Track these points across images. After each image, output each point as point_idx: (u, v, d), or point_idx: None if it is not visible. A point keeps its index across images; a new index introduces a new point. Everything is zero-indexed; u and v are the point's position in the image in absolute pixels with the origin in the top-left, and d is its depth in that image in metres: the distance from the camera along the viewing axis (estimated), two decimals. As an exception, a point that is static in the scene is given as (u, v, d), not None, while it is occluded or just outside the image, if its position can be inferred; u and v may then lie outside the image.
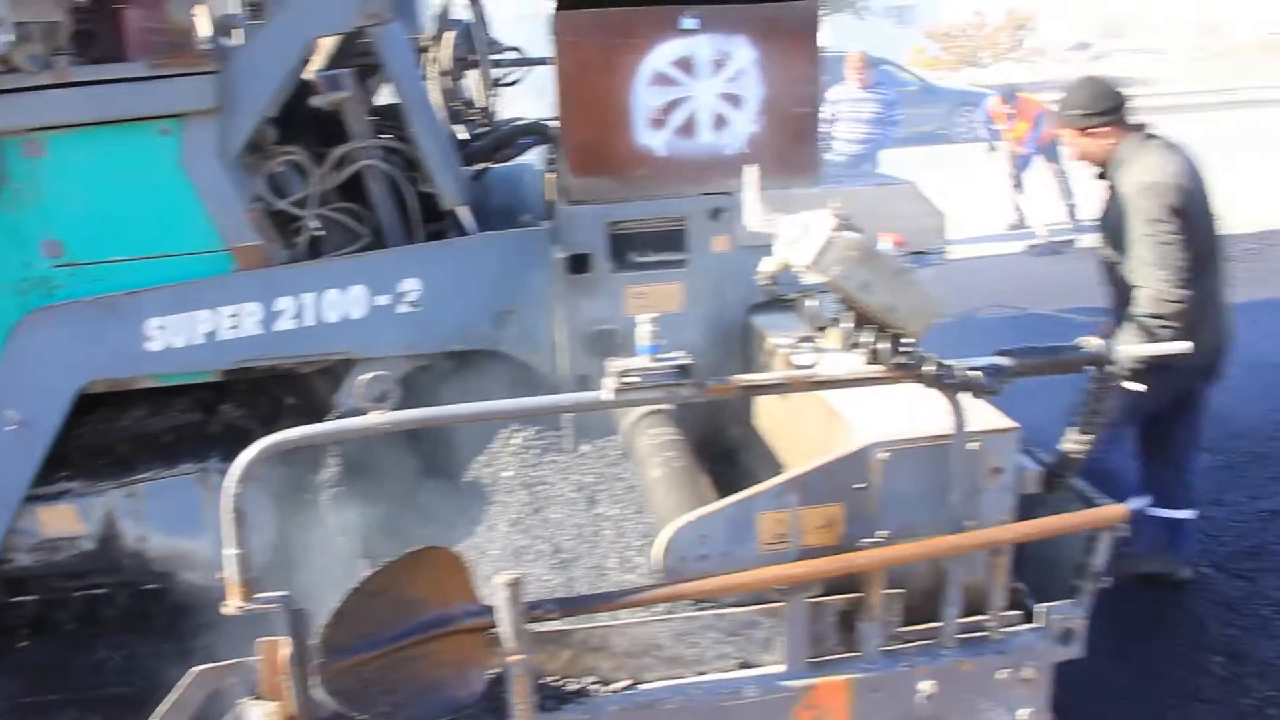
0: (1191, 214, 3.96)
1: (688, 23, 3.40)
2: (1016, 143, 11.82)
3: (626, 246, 3.61)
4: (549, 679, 2.54)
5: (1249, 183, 13.50)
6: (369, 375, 2.34)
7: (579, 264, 3.61)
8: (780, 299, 2.31)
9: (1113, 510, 2.50)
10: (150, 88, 3.46)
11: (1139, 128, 4.16)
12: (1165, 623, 4.39)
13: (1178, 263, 3.86)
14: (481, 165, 4.52)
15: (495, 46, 4.98)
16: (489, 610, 2.34)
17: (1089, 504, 2.97)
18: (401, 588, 2.37)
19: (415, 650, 2.36)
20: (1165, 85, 27.08)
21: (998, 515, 2.57)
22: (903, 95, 21.45)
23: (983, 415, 2.56)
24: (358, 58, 4.03)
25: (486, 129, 4.74)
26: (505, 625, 2.29)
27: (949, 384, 2.28)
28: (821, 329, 2.25)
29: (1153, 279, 3.85)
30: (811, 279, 2.19)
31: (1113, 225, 4.11)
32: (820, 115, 3.59)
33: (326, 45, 3.98)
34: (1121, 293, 4.09)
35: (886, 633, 2.55)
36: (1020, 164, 11.95)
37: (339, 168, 3.76)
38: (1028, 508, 2.72)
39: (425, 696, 2.40)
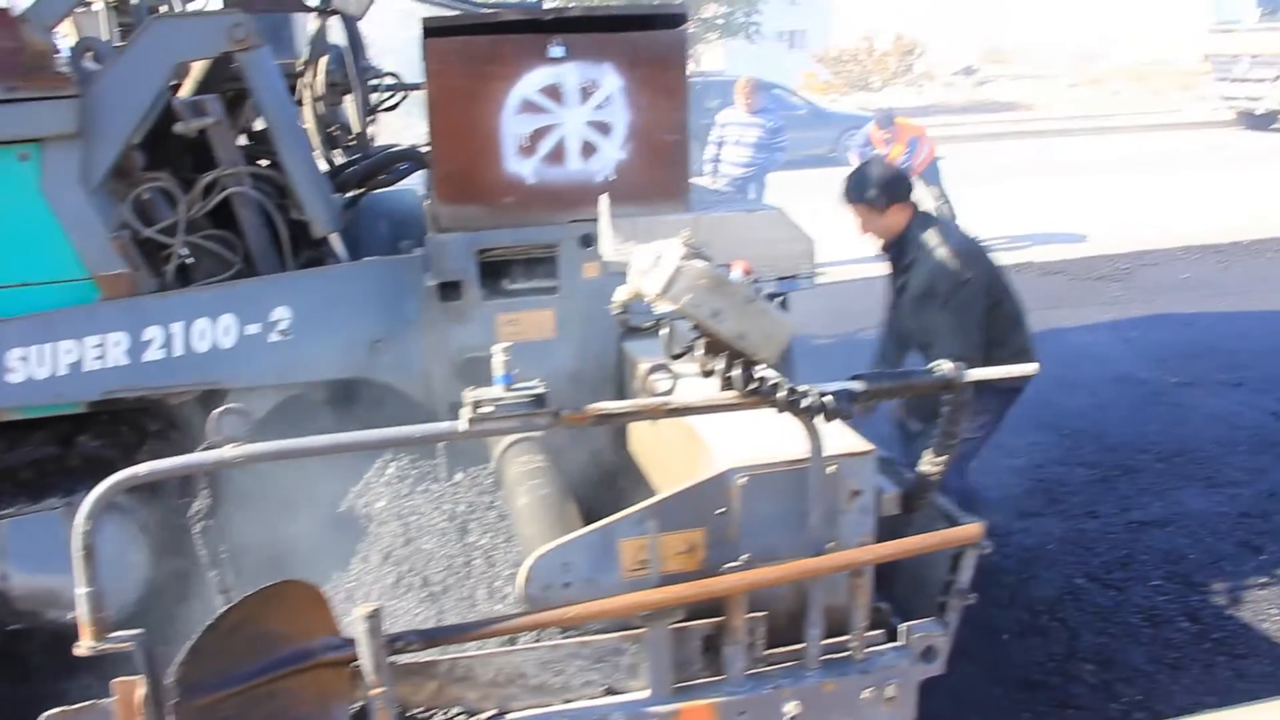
0: (986, 281, 4.22)
1: (555, 51, 3.42)
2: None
3: (497, 274, 3.61)
4: (414, 711, 2.52)
5: (1120, 205, 14.03)
6: (221, 409, 2.30)
7: (450, 291, 3.60)
8: (635, 327, 2.32)
9: (967, 529, 2.56)
10: (7, 111, 3.36)
11: (923, 210, 4.42)
12: (1039, 632, 4.50)
13: (976, 333, 4.13)
14: (357, 191, 4.48)
15: (371, 71, 4.95)
16: (350, 643, 2.32)
17: (952, 523, 3.06)
18: (259, 622, 2.32)
19: (275, 686, 2.32)
20: (1043, 110, 27.98)
21: (858, 537, 2.61)
22: (792, 119, 21.89)
23: (840, 439, 2.61)
24: (229, 82, 3.97)
25: (362, 155, 4.70)
26: (365, 658, 2.26)
27: (801, 409, 2.32)
28: (677, 356, 2.27)
29: (954, 349, 4.02)
30: (664, 307, 2.21)
31: (905, 302, 4.32)
32: (686, 142, 3.62)
33: (197, 70, 3.91)
34: (915, 361, 4.30)
35: (751, 656, 2.57)
36: None
37: (207, 195, 3.70)
38: (896, 528, 2.77)
39: (285, 734, 2.36)
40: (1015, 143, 22.25)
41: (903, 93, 28.83)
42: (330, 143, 4.59)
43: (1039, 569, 5.02)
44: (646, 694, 2.52)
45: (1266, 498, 5.62)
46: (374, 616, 2.26)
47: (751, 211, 3.77)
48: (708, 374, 2.27)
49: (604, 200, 2.36)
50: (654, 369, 2.30)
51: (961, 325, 4.08)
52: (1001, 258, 11.64)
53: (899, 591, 3.35)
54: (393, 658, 2.34)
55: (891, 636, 2.72)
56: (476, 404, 2.27)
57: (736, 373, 2.25)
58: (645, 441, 3.34)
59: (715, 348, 2.25)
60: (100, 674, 2.70)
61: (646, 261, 2.22)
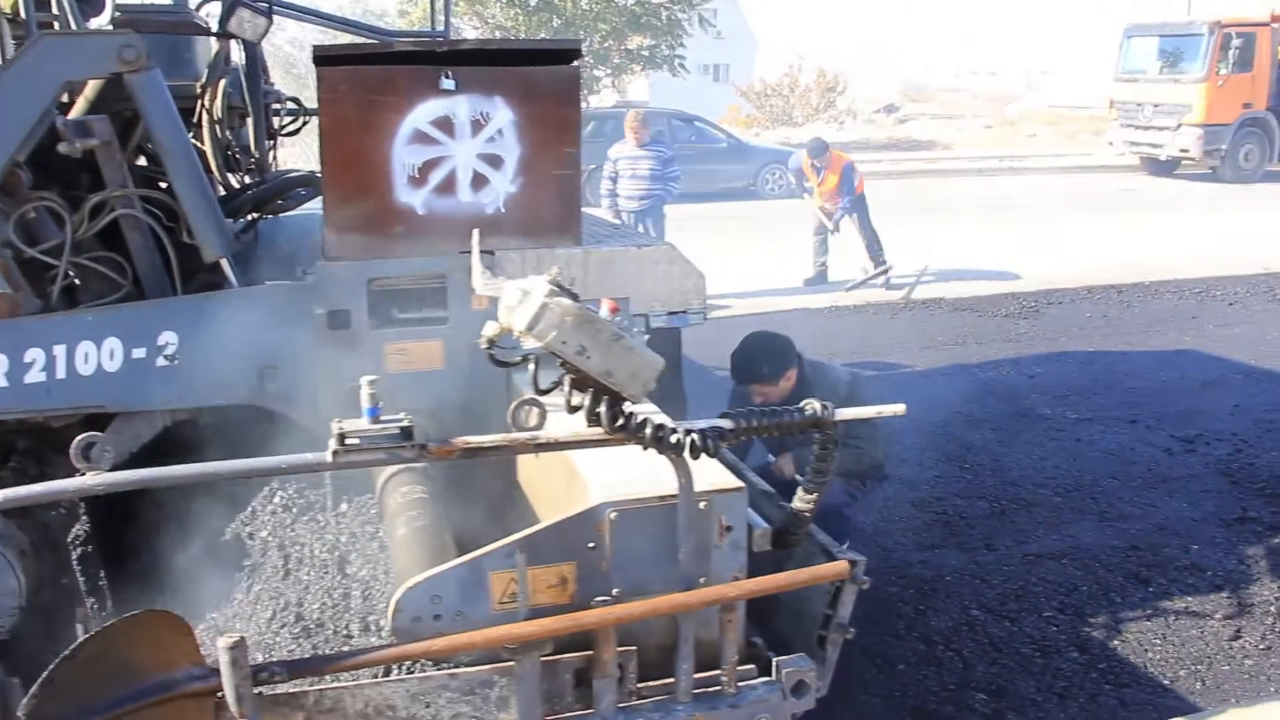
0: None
1: (447, 83, 3.43)
2: (828, 196, 12.18)
3: (387, 303, 3.60)
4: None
5: (1030, 244, 14.36)
6: (83, 437, 2.27)
7: (339, 320, 3.58)
8: (503, 363, 2.34)
9: (836, 566, 2.60)
10: None
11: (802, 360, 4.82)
12: (935, 662, 4.58)
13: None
14: (254, 215, 4.45)
15: (272, 95, 4.92)
16: (214, 674, 2.29)
17: (829, 558, 3.11)
18: (120, 652, 2.29)
19: (135, 718, 2.29)
20: (960, 149, 28.60)
21: (730, 572, 2.64)
22: (714, 153, 22.11)
23: (713, 475, 2.64)
24: (125, 103, 3.92)
25: (260, 179, 4.66)
26: (229, 689, 2.24)
27: (668, 445, 2.35)
28: (544, 392, 2.29)
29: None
30: (530, 344, 2.22)
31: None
32: (578, 177, 3.66)
33: (89, 90, 3.86)
34: None
35: (624, 690, 2.59)
36: (836, 215, 12.29)
37: (95, 216, 3.64)
38: (779, 563, 2.80)
39: (146, 767, 2.32)
40: (933, 181, 22.71)
41: (825, 128, 29.20)
42: (229, 166, 4.54)
43: (937, 600, 5.11)
44: (515, 727, 2.52)
45: (1156, 531, 5.78)
46: (237, 647, 2.23)
47: (642, 247, 3.80)
48: (574, 410, 2.29)
49: (475, 234, 2.37)
50: (520, 404, 2.31)
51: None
52: (916, 293, 11.88)
53: (779, 626, 3.40)
54: (258, 689, 2.32)
55: (766, 671, 2.75)
56: (342, 436, 2.27)
57: (603, 409, 2.28)
58: (531, 474, 3.35)
59: (582, 384, 2.27)
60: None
61: (514, 297, 2.24)
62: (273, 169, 4.90)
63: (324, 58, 3.40)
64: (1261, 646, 4.72)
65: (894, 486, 6.34)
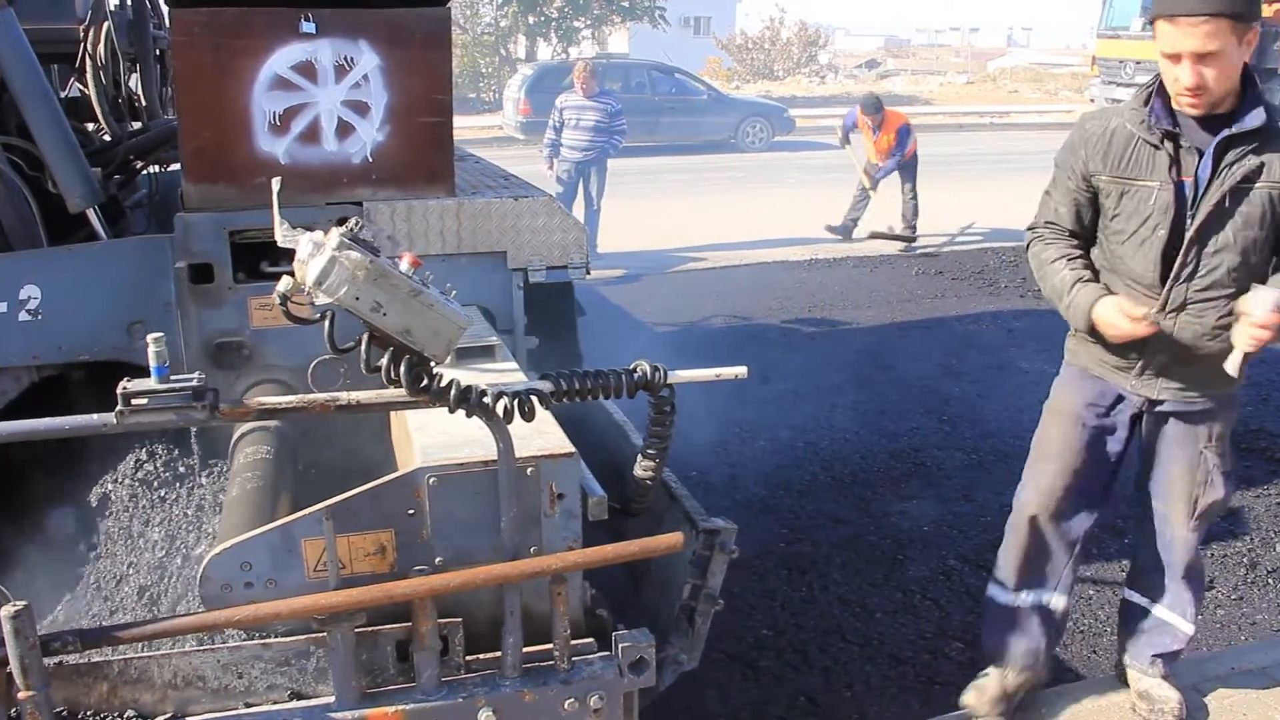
0: None
1: (307, 26, 3.28)
2: (880, 154, 12.04)
3: (252, 256, 3.47)
4: (85, 713, 2.40)
5: (1011, 199, 14.23)
6: None
7: (201, 274, 3.45)
8: (301, 320, 2.21)
9: (668, 538, 2.48)
10: None
11: None
12: (912, 611, 4.62)
13: None
14: (139, 166, 4.31)
15: (164, 40, 4.75)
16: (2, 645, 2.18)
17: (693, 526, 3.01)
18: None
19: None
20: (941, 105, 28.35)
21: (564, 542, 2.54)
22: (694, 105, 21.96)
23: (541, 440, 2.53)
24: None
25: (144, 127, 4.51)
26: (13, 660, 2.13)
27: (475, 408, 2.23)
28: (342, 351, 2.17)
29: None
30: (322, 300, 2.10)
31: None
32: (449, 124, 3.51)
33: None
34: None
35: (451, 662, 2.49)
36: (879, 175, 12.15)
37: None
38: (650, 531, 2.67)
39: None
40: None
41: (805, 82, 28.93)
42: (116, 114, 4.39)
43: (914, 550, 5.14)
44: (331, 700, 2.42)
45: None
46: (20, 616, 2.12)
47: (519, 198, 3.66)
48: (373, 370, 2.17)
49: (276, 181, 2.24)
50: (320, 363, 2.20)
51: None
52: (893, 247, 11.84)
53: (646, 596, 3.31)
54: (50, 659, 2.22)
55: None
56: (127, 396, 2.15)
57: (403, 370, 2.16)
58: (398, 437, 3.23)
59: (381, 342, 2.16)
60: None
61: (306, 250, 2.11)
62: (165, 117, 4.72)
63: (178, 0, 3.24)
64: (1234, 597, 4.77)
65: (873, 436, 6.31)
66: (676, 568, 2.99)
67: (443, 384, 2.22)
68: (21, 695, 2.14)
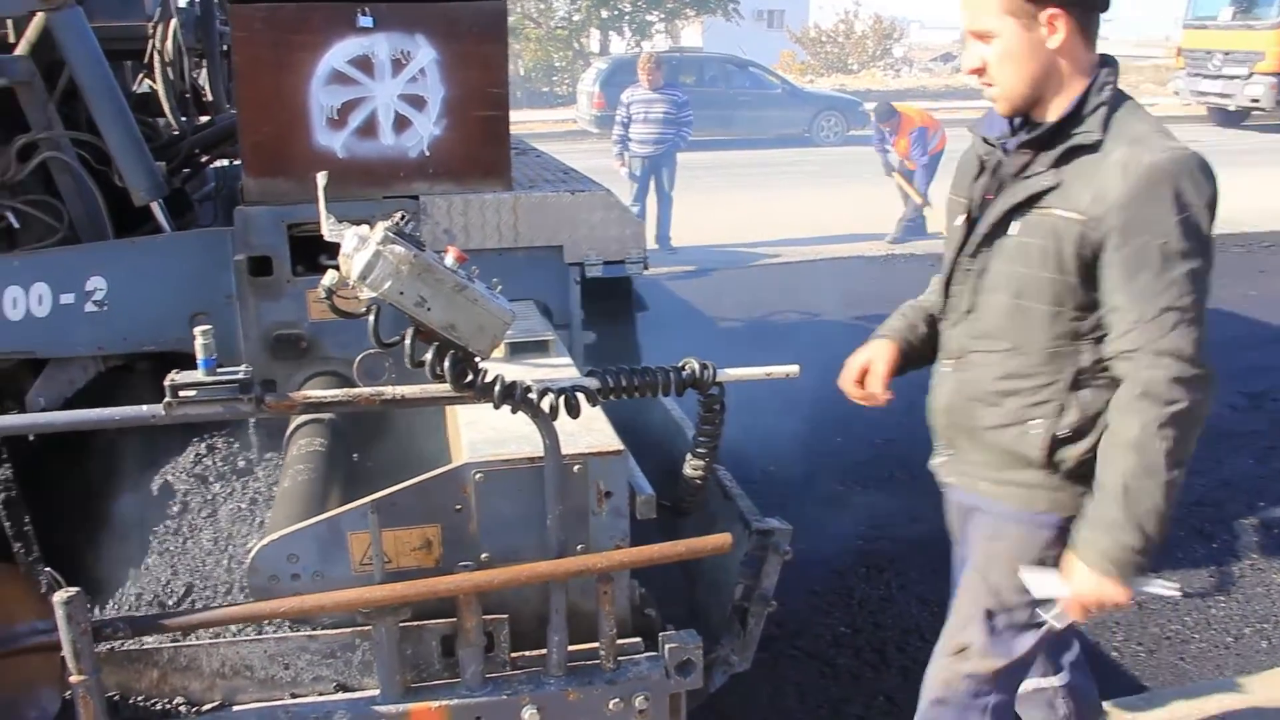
0: None
1: (364, 21, 3.29)
2: (903, 156, 11.86)
3: (311, 250, 3.50)
4: (136, 699, 2.43)
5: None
6: None
7: (260, 267, 3.49)
8: (346, 314, 2.21)
9: (716, 539, 2.45)
10: None
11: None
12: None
13: None
14: (204, 160, 4.36)
15: (228, 36, 4.80)
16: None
17: (746, 527, 2.97)
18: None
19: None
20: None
21: (611, 541, 2.51)
22: (768, 98, 21.81)
23: (590, 437, 2.50)
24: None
25: (210, 121, 4.57)
26: (65, 644, 2.17)
27: (519, 404, 2.22)
28: (387, 345, 2.16)
29: None
30: (367, 294, 2.10)
31: None
32: (506, 118, 3.49)
33: (31, 30, 3.77)
34: None
35: (497, 658, 2.47)
36: (918, 180, 11.93)
37: (23, 159, 3.57)
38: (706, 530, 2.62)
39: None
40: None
41: (880, 76, 28.63)
42: (182, 109, 4.45)
43: None
44: (376, 693, 2.43)
45: (1219, 487, 5.64)
46: (73, 602, 2.16)
47: (577, 192, 3.64)
48: (417, 364, 2.16)
49: (322, 176, 2.24)
50: (366, 357, 2.20)
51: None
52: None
53: (699, 597, 3.27)
54: (102, 645, 2.26)
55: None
56: (175, 388, 2.17)
57: (448, 364, 2.15)
58: (451, 432, 3.24)
59: (425, 337, 2.15)
60: None
61: (351, 244, 2.11)
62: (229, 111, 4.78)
63: (240, -7, 3.27)
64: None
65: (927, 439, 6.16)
66: (730, 568, 2.95)
67: (488, 380, 2.20)
68: (74, 679, 2.19)
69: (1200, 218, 2.15)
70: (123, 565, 3.23)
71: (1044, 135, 2.28)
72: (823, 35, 32.79)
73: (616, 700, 2.50)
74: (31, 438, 3.44)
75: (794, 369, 2.47)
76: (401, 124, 3.42)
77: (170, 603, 2.87)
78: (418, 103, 3.41)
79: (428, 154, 3.45)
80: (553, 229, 3.60)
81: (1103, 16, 2.36)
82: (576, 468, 2.42)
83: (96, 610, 2.77)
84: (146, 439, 3.53)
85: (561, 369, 2.97)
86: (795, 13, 37.96)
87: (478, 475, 2.39)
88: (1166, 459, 2.16)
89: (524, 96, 27.65)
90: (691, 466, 2.68)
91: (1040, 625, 2.48)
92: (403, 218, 2.13)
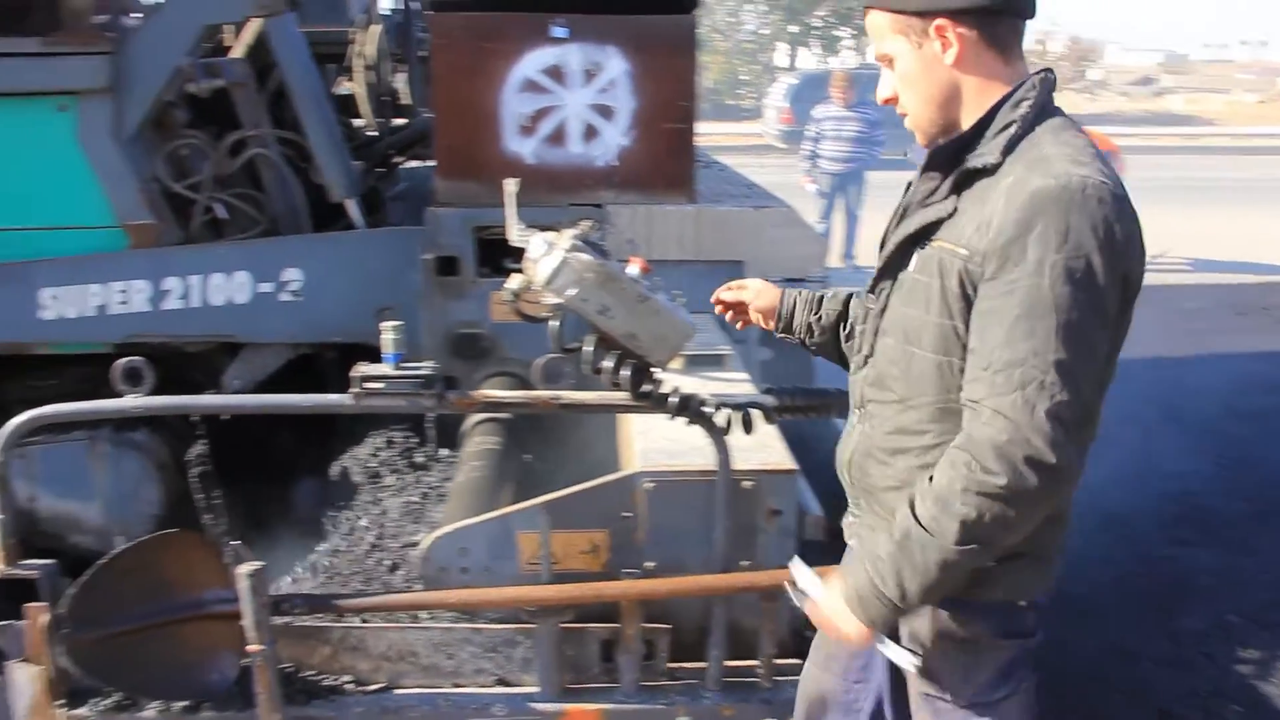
0: None
1: (558, 31, 3.36)
2: None
3: (495, 251, 3.58)
4: (307, 673, 2.53)
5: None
6: (124, 361, 2.34)
7: (447, 266, 3.59)
8: (530, 317, 2.25)
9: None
10: (45, 64, 3.49)
11: None
12: (1184, 665, 4.22)
13: None
14: (396, 160, 4.52)
15: (426, 43, 4.97)
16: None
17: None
18: (151, 568, 2.38)
19: (165, 631, 2.38)
20: (1225, 126, 26.56)
21: (778, 559, 2.49)
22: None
23: (763, 454, 2.49)
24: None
25: (405, 124, 4.73)
26: (246, 615, 2.28)
27: (694, 417, 2.22)
28: (568, 351, 2.20)
29: None
30: (550, 299, 2.13)
31: None
32: (692, 131, 3.52)
33: (247, 34, 3.99)
34: None
35: (655, 667, 2.49)
36: None
37: (234, 155, 3.77)
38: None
39: (176, 676, 2.42)
40: (1194, 158, 21.16)
41: (1075, 98, 27.70)
42: (380, 111, 4.62)
43: (1189, 600, 4.66)
44: (534, 690, 2.47)
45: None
46: (256, 575, 2.27)
47: (760, 208, 3.63)
48: (597, 371, 2.19)
49: (510, 183, 2.29)
50: (546, 361, 2.24)
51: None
52: (1159, 279, 11.06)
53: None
54: (278, 618, 2.36)
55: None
56: (363, 379, 2.25)
57: (626, 373, 2.16)
58: (623, 437, 3.27)
59: (606, 345, 2.17)
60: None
61: (538, 250, 2.15)
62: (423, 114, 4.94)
63: (438, 3, 3.38)
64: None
65: (1145, 475, 5.79)
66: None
67: (664, 390, 2.21)
68: (252, 648, 2.29)
69: (1093, 260, 1.71)
70: (298, 546, 3.37)
71: (942, 157, 1.94)
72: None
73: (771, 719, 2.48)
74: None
75: None
76: (590, 133, 3.48)
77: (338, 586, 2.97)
78: (607, 113, 3.47)
79: (615, 164, 3.50)
80: (733, 243, 3.60)
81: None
82: (747, 484, 2.41)
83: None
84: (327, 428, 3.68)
85: (738, 384, 2.97)
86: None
87: (648, 484, 2.40)
88: (960, 528, 1.73)
89: (710, 109, 27.76)
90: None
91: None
92: (590, 225, 2.16)
